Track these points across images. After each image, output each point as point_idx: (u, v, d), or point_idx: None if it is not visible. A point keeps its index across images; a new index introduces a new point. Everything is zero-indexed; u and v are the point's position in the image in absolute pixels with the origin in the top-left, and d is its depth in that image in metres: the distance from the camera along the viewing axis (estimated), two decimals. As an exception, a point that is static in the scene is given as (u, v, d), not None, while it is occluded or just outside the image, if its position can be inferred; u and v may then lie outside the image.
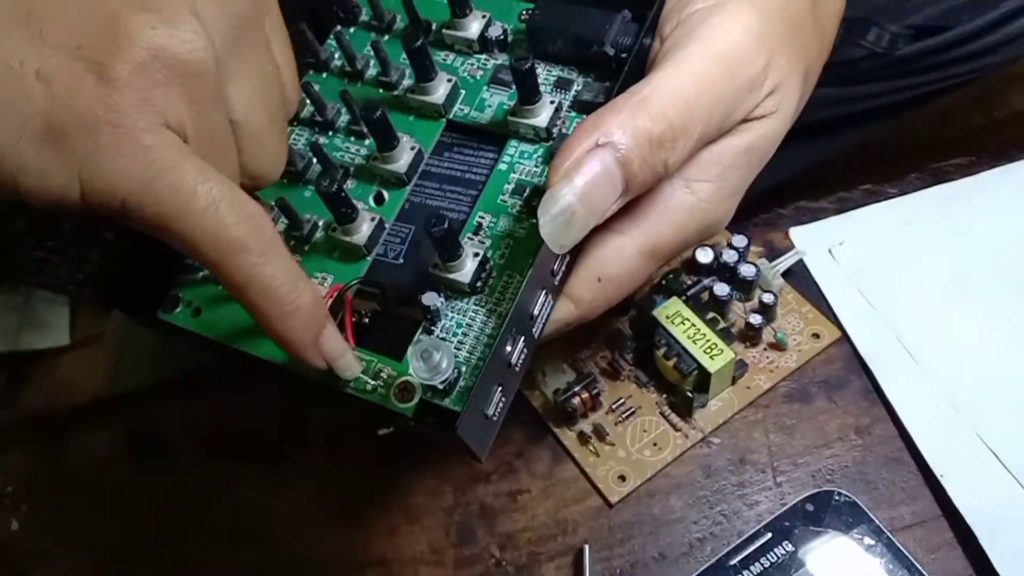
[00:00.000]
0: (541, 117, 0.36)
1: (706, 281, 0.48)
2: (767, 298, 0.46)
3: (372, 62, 0.41)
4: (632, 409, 0.46)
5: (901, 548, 0.40)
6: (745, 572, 0.40)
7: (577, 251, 0.35)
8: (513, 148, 0.37)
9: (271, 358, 0.35)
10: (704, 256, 0.48)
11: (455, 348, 0.34)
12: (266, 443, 0.50)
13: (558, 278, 0.35)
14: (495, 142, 0.38)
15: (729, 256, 0.47)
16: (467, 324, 0.34)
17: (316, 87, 0.40)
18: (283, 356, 0.33)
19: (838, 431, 0.45)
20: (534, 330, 0.34)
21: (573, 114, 0.37)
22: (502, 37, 0.39)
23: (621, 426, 0.46)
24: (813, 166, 0.72)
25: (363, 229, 0.36)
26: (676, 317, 0.45)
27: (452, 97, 0.38)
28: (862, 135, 0.73)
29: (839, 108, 0.69)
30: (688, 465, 0.45)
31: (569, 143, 0.33)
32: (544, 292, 0.34)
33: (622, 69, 0.36)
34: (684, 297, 0.46)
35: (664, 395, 0.46)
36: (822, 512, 0.41)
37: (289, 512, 0.47)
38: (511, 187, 0.36)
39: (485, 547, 0.44)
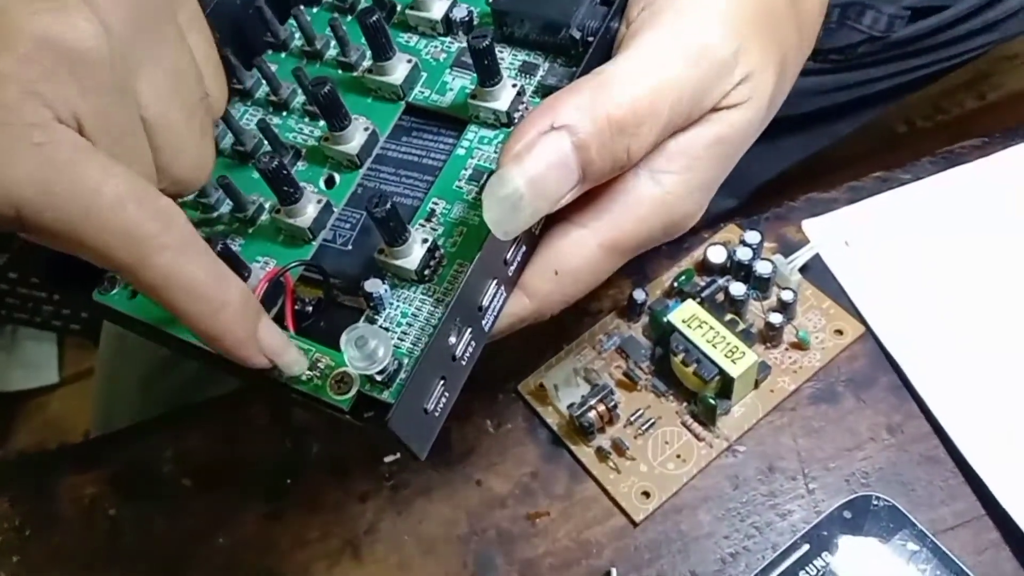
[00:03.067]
0: (502, 100, 0.34)
1: (720, 281, 0.46)
2: (786, 295, 0.44)
3: (332, 43, 0.39)
4: (651, 420, 0.43)
5: (947, 552, 0.38)
6: (784, 588, 0.38)
7: (534, 242, 0.34)
8: (472, 133, 0.35)
9: (206, 344, 0.32)
10: (716, 255, 0.46)
11: (399, 339, 0.31)
12: (264, 476, 0.47)
13: (512, 268, 0.33)
14: (455, 127, 0.36)
15: (743, 254, 0.45)
16: (412, 314, 0.32)
17: (273, 67, 0.38)
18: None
19: (869, 431, 0.43)
20: (484, 322, 0.32)
21: (536, 99, 0.35)
22: (467, 19, 0.37)
23: (641, 439, 0.43)
24: (812, 156, 0.70)
25: (308, 211, 0.34)
26: (693, 321, 0.42)
27: (412, 79, 0.36)
28: (860, 122, 0.71)
29: (837, 95, 0.67)
30: (714, 476, 0.42)
31: (523, 124, 0.30)
32: (495, 282, 0.32)
33: (586, 53, 0.34)
34: (699, 299, 0.44)
35: (685, 404, 0.44)
36: (861, 519, 0.39)
37: (292, 549, 0.45)
38: (468, 173, 0.34)
39: (505, 575, 0.42)
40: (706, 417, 0.43)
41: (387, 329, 0.32)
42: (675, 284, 0.46)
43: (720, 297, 0.45)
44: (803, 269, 0.46)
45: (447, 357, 0.31)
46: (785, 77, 0.36)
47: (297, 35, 0.39)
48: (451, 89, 0.36)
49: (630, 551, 0.41)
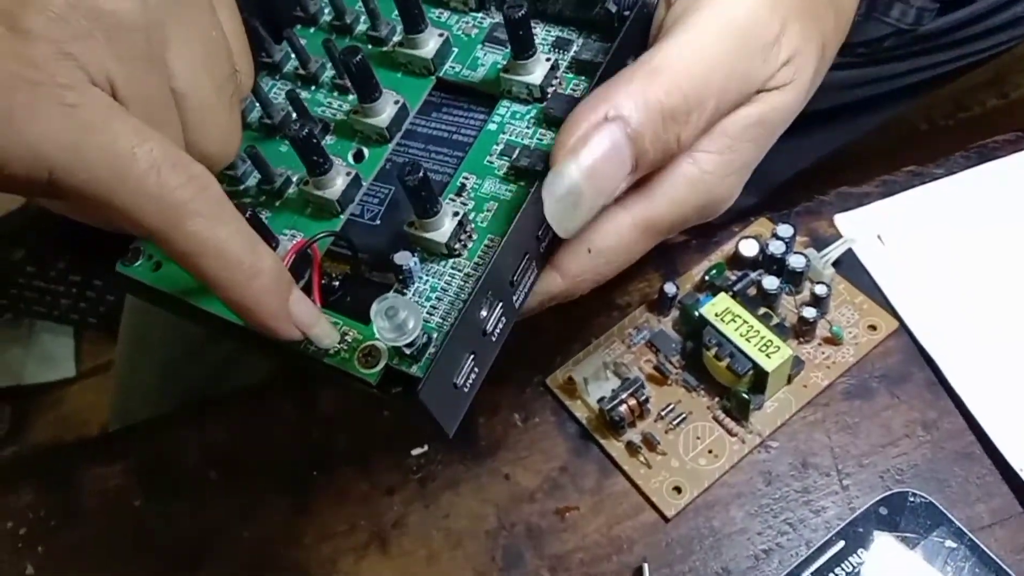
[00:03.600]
0: (536, 74, 0.33)
1: (752, 275, 0.45)
2: (820, 290, 0.43)
3: (362, 17, 0.38)
4: (683, 415, 0.43)
5: (985, 550, 0.37)
6: (819, 585, 0.37)
7: None
8: (504, 108, 0.34)
9: (234, 318, 0.31)
10: (748, 249, 0.46)
11: (428, 313, 0.31)
12: (289, 468, 0.47)
13: (544, 245, 0.32)
14: (486, 103, 0.35)
15: (776, 247, 0.45)
16: (442, 288, 0.31)
17: (303, 41, 0.37)
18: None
19: (904, 428, 0.42)
20: (515, 298, 0.32)
21: (571, 75, 0.34)
22: None
23: (672, 434, 0.43)
24: (833, 153, 0.70)
25: (337, 183, 0.34)
26: (726, 314, 0.42)
27: (443, 53, 0.36)
28: (883, 118, 0.70)
29: (862, 91, 0.66)
30: (747, 472, 0.42)
31: (575, 117, 0.30)
32: (527, 257, 0.32)
33: (623, 28, 0.33)
34: (730, 293, 0.44)
35: (716, 399, 0.43)
36: (897, 515, 0.39)
37: (318, 543, 0.44)
38: (499, 148, 0.34)
39: (534, 570, 0.41)
40: (739, 412, 0.42)
41: (416, 302, 0.31)
42: (706, 278, 0.46)
43: (752, 291, 0.45)
44: (835, 264, 0.46)
45: (477, 332, 0.30)
46: (824, 60, 0.35)
47: (327, 9, 0.39)
48: (483, 65, 0.36)
49: (661, 547, 0.41)
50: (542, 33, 0.36)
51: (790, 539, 0.40)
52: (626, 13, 0.34)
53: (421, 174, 0.29)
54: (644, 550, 0.41)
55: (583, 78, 0.34)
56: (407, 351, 0.29)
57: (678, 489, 0.41)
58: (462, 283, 0.31)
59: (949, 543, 0.38)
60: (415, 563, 0.43)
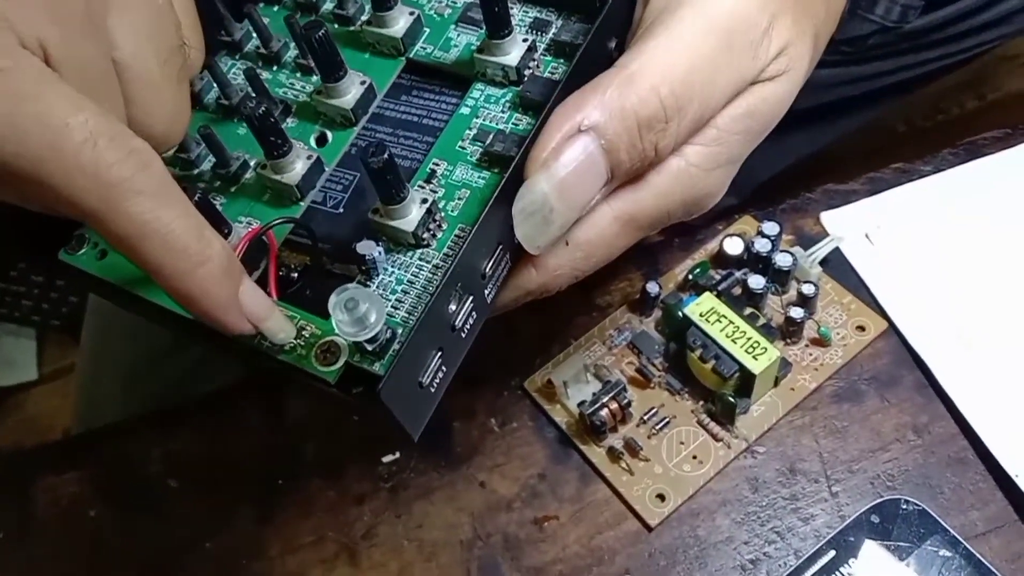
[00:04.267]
0: (512, 55, 0.32)
1: (737, 274, 0.44)
2: (807, 289, 0.42)
3: None
4: (666, 419, 0.41)
5: (981, 559, 0.36)
6: (809, 597, 0.36)
7: None
8: (478, 91, 0.33)
9: (181, 310, 0.29)
10: (733, 247, 0.44)
11: (392, 307, 0.29)
12: (255, 477, 0.45)
13: None
14: (459, 86, 0.33)
15: (761, 245, 0.43)
16: (408, 281, 0.29)
17: (265, 20, 0.35)
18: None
19: (894, 432, 0.41)
20: (487, 292, 0.30)
21: (548, 57, 0.33)
22: None
23: (655, 439, 0.41)
24: (816, 153, 0.68)
25: (297, 167, 0.32)
26: (711, 315, 0.40)
27: (413, 33, 0.34)
28: (865, 119, 0.69)
29: (845, 90, 0.65)
30: (733, 479, 0.40)
31: (548, 128, 0.28)
32: (500, 248, 0.30)
33: (604, 8, 0.31)
34: (715, 292, 0.42)
35: (701, 402, 0.41)
36: (889, 524, 0.37)
37: (284, 555, 0.42)
38: (472, 133, 0.32)
39: (512, 583, 0.39)
40: (724, 416, 0.41)
41: (381, 296, 0.29)
42: (689, 277, 0.44)
43: (737, 291, 0.43)
44: (822, 263, 0.44)
45: (446, 327, 0.28)
46: (817, 51, 0.34)
47: None
48: (456, 46, 0.34)
49: (644, 557, 0.39)
50: (519, 13, 0.34)
51: (778, 548, 0.38)
52: None
53: (386, 155, 0.27)
54: (626, 561, 0.39)
55: (562, 61, 0.32)
56: (369, 347, 0.27)
57: (661, 497, 0.40)
58: (430, 275, 0.29)
59: (943, 552, 0.36)
60: (385, 575, 0.41)
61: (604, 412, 0.40)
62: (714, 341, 0.39)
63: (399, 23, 0.33)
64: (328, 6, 0.36)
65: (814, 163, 0.65)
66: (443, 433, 0.44)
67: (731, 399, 0.40)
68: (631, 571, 0.39)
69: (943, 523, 0.37)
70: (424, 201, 0.29)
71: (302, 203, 0.32)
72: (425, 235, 0.29)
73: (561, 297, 0.34)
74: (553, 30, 0.33)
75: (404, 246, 0.30)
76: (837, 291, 0.44)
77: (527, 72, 0.32)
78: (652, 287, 0.44)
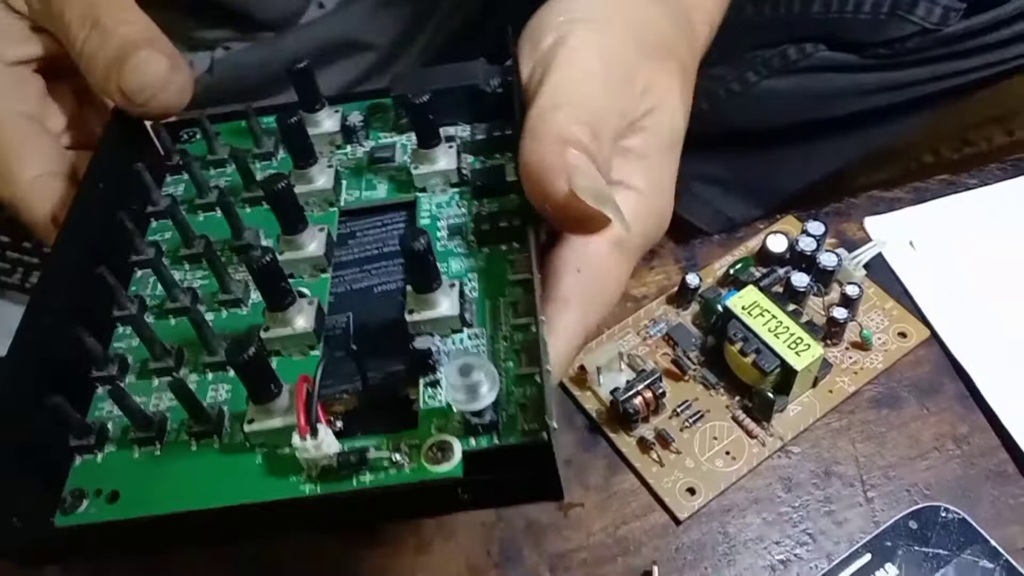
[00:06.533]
0: (444, 161, 0.32)
1: (780, 271, 0.43)
2: (851, 290, 0.41)
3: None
4: (700, 413, 0.40)
5: (1023, 573, 0.35)
6: (842, 600, 0.35)
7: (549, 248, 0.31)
8: (427, 204, 0.32)
9: (249, 501, 0.25)
10: (777, 244, 0.43)
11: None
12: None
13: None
14: (400, 209, 0.33)
15: (806, 243, 0.42)
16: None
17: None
18: (263, 492, 0.25)
19: (933, 441, 0.40)
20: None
21: (472, 158, 0.33)
22: (362, 123, 0.35)
23: (687, 432, 0.40)
24: (843, 168, 0.67)
25: (300, 321, 0.29)
26: (754, 308, 0.39)
27: (336, 185, 0.33)
28: (896, 132, 0.68)
29: (877, 98, 0.63)
30: (766, 477, 0.39)
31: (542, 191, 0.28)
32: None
33: (502, 101, 0.32)
34: (756, 288, 0.41)
35: (736, 398, 0.40)
36: (927, 530, 0.36)
37: (300, 526, 0.41)
38: (445, 233, 0.31)
39: (532, 568, 0.38)
40: (761, 413, 0.40)
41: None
42: (731, 272, 0.44)
43: (778, 288, 0.43)
44: (865, 267, 0.44)
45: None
46: (688, 80, 0.35)
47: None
48: (380, 183, 0.34)
49: (671, 551, 0.38)
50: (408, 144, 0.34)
51: (809, 550, 0.37)
52: (499, 91, 0.33)
53: (426, 237, 0.26)
54: (652, 553, 0.38)
55: (483, 159, 0.33)
56: (475, 420, 0.25)
57: (692, 491, 0.39)
58: (489, 348, 0.28)
59: (984, 563, 0.35)
60: (404, 551, 0.39)
61: (638, 400, 0.39)
62: (756, 335, 0.39)
63: (324, 177, 0.33)
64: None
65: (852, 170, 0.64)
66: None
67: (769, 395, 0.39)
68: (656, 564, 0.37)
69: (984, 534, 0.36)
70: (452, 285, 0.28)
71: (318, 347, 0.29)
72: (468, 315, 0.28)
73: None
74: (464, 136, 0.34)
75: (451, 331, 0.28)
76: (880, 296, 0.43)
77: (465, 171, 0.32)
78: (692, 279, 0.43)
